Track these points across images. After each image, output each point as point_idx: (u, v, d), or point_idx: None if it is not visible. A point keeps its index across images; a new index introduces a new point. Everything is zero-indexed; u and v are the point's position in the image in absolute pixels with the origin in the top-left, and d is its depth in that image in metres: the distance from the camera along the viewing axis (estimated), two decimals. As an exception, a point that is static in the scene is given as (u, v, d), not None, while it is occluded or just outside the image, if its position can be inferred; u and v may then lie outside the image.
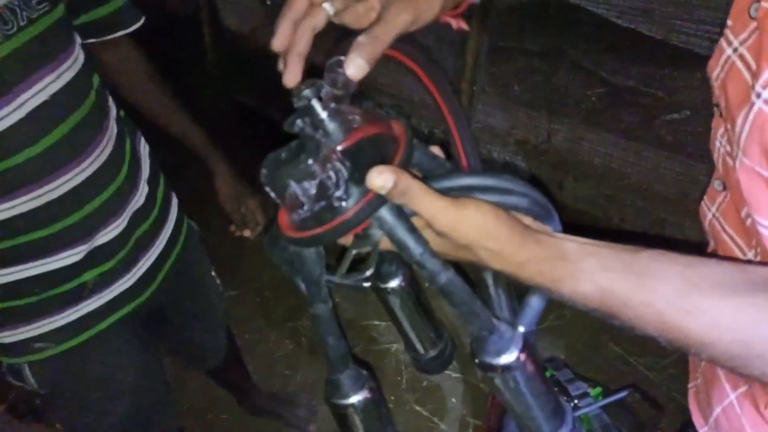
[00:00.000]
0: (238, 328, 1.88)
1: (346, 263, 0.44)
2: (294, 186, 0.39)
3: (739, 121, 0.44)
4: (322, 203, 0.40)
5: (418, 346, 0.61)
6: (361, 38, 0.42)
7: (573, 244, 0.42)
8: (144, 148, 1.10)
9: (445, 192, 0.42)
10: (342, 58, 0.42)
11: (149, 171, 1.07)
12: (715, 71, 0.50)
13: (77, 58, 0.90)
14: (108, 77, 1.04)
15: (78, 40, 0.93)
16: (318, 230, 0.41)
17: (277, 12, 0.46)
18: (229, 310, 1.95)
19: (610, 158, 2.05)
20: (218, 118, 2.75)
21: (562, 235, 0.44)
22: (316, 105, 0.40)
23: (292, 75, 0.44)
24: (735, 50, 0.47)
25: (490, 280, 0.58)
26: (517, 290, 0.62)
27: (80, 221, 0.92)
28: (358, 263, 0.46)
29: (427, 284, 0.45)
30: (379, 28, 0.42)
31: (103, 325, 1.02)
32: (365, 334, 1.90)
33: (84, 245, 0.94)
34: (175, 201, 1.17)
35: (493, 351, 0.48)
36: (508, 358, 0.47)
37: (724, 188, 0.54)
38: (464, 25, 0.57)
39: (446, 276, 0.44)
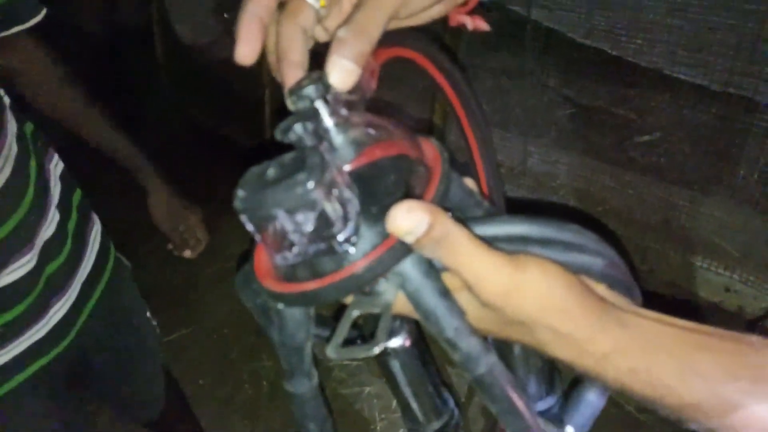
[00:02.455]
0: (189, 372, 1.71)
1: (343, 330, 0.30)
2: (283, 217, 0.27)
3: None
4: (320, 245, 0.27)
5: (420, 416, 0.49)
6: (341, 33, 0.30)
7: (674, 331, 0.29)
8: (56, 169, 0.94)
9: (488, 243, 0.29)
10: None
11: (59, 195, 0.91)
12: None
13: None
14: (8, 82, 0.88)
15: None
16: (312, 285, 0.28)
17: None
18: (177, 351, 1.78)
19: (588, 182, 1.99)
20: (171, 137, 2.58)
21: (652, 313, 0.30)
22: (322, 108, 0.28)
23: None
24: None
25: (517, 351, 0.46)
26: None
27: None
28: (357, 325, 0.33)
29: (465, 372, 0.31)
30: (361, 14, 0.31)
31: (10, 384, 0.85)
32: (333, 374, 1.74)
33: None
34: (97, 229, 1.01)
35: None
36: None
37: None
38: (483, 25, 0.44)
39: (487, 363, 0.30)
